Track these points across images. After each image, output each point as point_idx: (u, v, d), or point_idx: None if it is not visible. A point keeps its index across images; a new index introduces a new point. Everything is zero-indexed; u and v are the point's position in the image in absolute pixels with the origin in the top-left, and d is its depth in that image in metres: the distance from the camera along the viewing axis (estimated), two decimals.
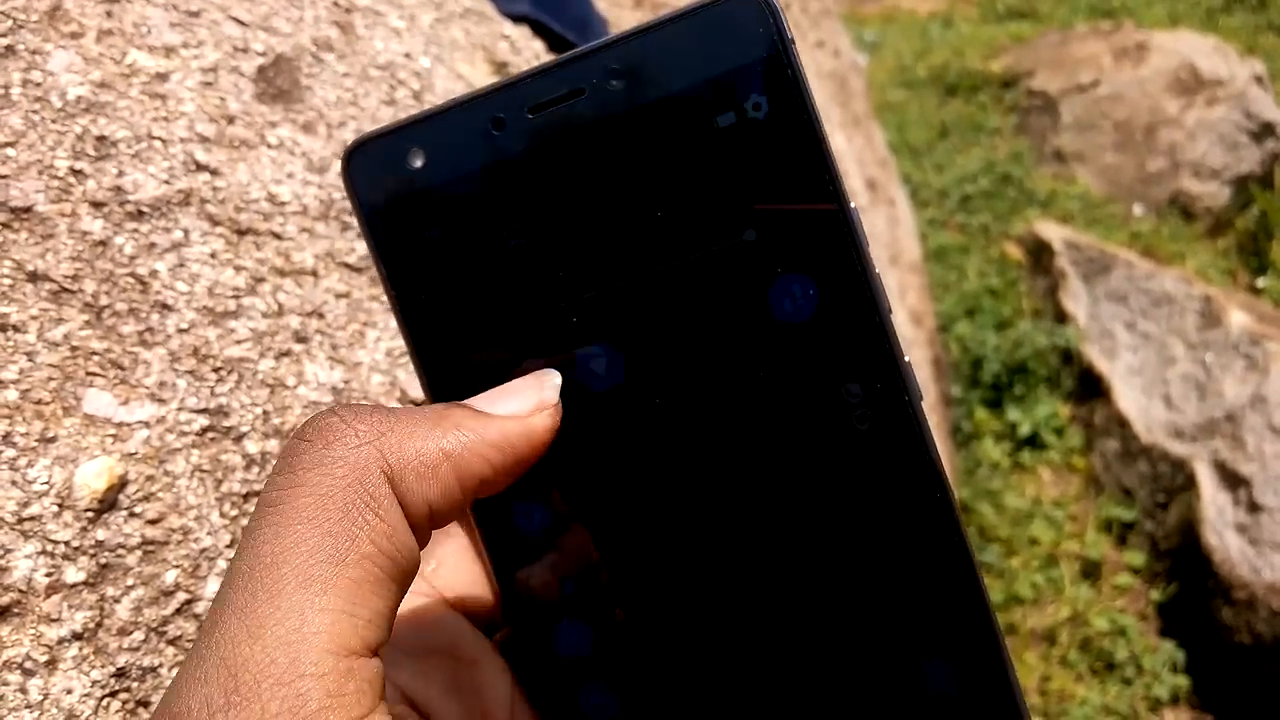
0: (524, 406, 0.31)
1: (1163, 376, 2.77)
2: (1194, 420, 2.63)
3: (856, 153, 2.08)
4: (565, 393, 0.33)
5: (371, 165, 0.34)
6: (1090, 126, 3.89)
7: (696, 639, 0.34)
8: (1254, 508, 2.34)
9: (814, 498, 0.32)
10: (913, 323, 2.43)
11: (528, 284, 0.33)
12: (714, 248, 0.32)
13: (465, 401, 0.31)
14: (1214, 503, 2.42)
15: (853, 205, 0.31)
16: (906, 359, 0.31)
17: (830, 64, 2.12)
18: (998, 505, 2.69)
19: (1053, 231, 3.28)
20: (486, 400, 0.31)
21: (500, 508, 0.35)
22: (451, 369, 0.34)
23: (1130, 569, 2.57)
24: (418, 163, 0.34)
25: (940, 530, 0.31)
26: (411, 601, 0.34)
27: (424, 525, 0.28)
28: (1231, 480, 2.43)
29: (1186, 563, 2.43)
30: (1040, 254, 3.26)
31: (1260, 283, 3.31)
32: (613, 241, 0.32)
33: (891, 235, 2.36)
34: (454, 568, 0.36)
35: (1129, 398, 2.80)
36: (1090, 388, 2.91)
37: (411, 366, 0.34)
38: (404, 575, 0.27)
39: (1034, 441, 2.89)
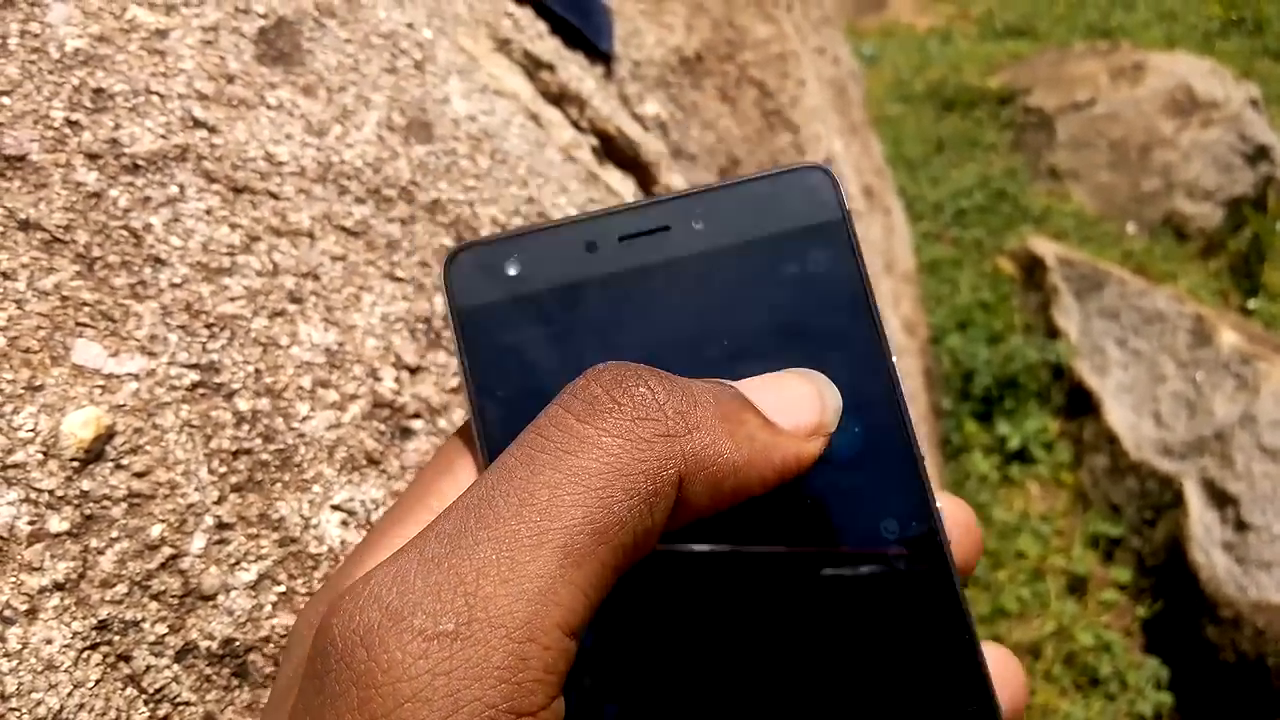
0: (804, 423, 0.30)
1: (1153, 394, 2.78)
2: (1183, 438, 2.63)
3: (854, 160, 2.08)
4: None
5: (469, 268, 0.36)
6: (1085, 145, 3.90)
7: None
8: (1241, 526, 2.35)
9: (844, 626, 0.33)
10: (905, 332, 2.43)
11: None
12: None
13: (748, 389, 0.30)
14: (1201, 520, 2.43)
15: (894, 359, 0.35)
16: (939, 503, 0.33)
17: (830, 71, 2.12)
18: (985, 518, 2.68)
19: (1046, 247, 3.28)
20: (767, 397, 0.30)
21: None
22: None
23: (1116, 585, 2.56)
24: (512, 271, 0.36)
25: (964, 670, 0.32)
26: None
27: (678, 523, 0.27)
28: (1219, 498, 2.43)
29: (1173, 580, 2.43)
30: (1033, 269, 3.26)
31: (1251, 304, 3.32)
32: (679, 361, 0.34)
33: (887, 244, 2.37)
34: None
35: (1119, 414, 2.80)
36: (1080, 403, 2.91)
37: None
38: (627, 570, 0.26)
39: (1023, 456, 2.89)
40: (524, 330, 0.35)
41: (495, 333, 0.35)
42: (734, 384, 0.30)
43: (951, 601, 0.33)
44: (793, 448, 0.29)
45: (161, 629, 0.43)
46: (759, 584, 0.33)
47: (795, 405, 0.30)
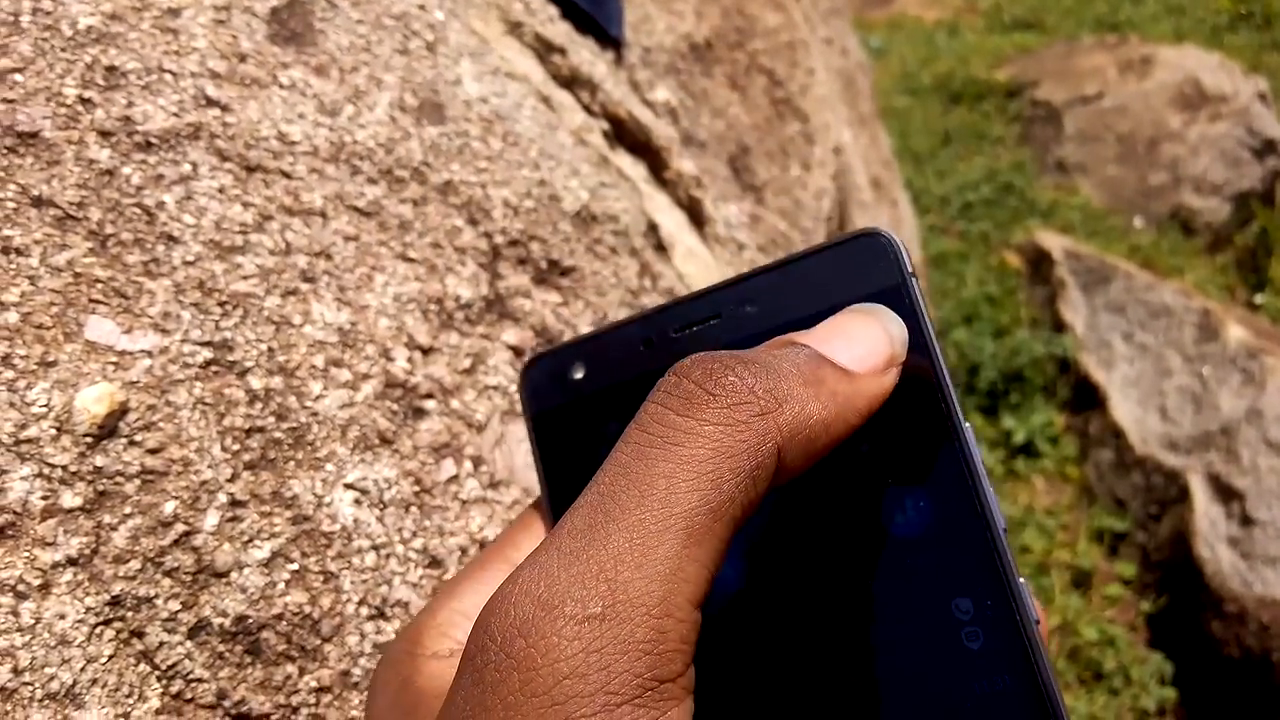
0: (877, 362, 0.32)
1: (1159, 388, 2.77)
2: (1189, 433, 2.63)
3: (862, 151, 2.08)
4: None
5: (541, 376, 0.40)
6: (1093, 138, 3.89)
7: None
8: (1247, 521, 2.34)
9: (917, 708, 0.32)
10: None
11: None
12: (830, 458, 0.32)
13: (819, 343, 0.31)
14: (1207, 515, 2.42)
15: (967, 425, 0.33)
16: (1021, 579, 0.31)
17: (838, 62, 2.12)
18: None
19: (1053, 241, 3.27)
20: (839, 346, 0.31)
21: None
22: None
23: (1121, 580, 2.56)
24: (579, 375, 0.39)
25: None
26: None
27: (779, 483, 0.30)
28: (1225, 493, 2.43)
29: (1178, 575, 2.43)
30: (1040, 263, 3.26)
31: (1258, 299, 3.31)
32: None
33: None
34: None
35: (1125, 408, 2.79)
36: (1086, 397, 2.91)
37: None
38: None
39: (1028, 450, 2.88)
40: (588, 426, 0.38)
41: (564, 430, 0.39)
42: (805, 339, 0.31)
43: (1033, 686, 0.30)
44: (872, 388, 0.31)
45: (174, 605, 0.43)
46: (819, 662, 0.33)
47: (865, 346, 0.32)
